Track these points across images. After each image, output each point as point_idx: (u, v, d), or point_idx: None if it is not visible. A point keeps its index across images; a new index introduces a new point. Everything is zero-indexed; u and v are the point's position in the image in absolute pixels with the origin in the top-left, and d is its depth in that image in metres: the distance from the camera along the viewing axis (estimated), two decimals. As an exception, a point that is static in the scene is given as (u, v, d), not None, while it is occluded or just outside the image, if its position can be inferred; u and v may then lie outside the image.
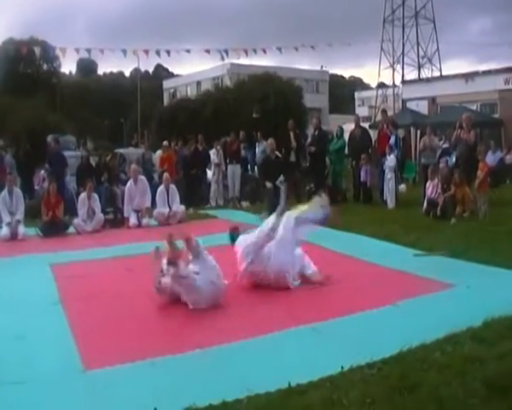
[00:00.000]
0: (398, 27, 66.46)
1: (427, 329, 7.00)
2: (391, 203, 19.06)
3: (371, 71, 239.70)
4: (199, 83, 78.39)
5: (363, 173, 20.32)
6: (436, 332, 6.81)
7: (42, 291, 9.88)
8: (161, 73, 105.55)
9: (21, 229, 15.91)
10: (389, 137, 19.95)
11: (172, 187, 18.36)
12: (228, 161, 22.29)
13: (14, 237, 15.68)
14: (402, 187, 22.98)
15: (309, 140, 22.32)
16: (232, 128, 25.10)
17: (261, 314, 8.24)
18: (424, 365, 5.97)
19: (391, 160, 19.26)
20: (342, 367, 6.00)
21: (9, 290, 10.04)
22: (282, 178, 17.49)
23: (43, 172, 21.59)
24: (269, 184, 17.35)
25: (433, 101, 40.34)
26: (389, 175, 19.24)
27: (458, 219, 15.63)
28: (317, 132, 21.88)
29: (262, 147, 23.41)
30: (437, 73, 60.71)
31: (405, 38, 65.95)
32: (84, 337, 7.35)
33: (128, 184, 17.85)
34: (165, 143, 22.99)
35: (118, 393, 5.82)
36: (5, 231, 15.67)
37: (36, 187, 21.74)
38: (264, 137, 23.92)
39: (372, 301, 8.49)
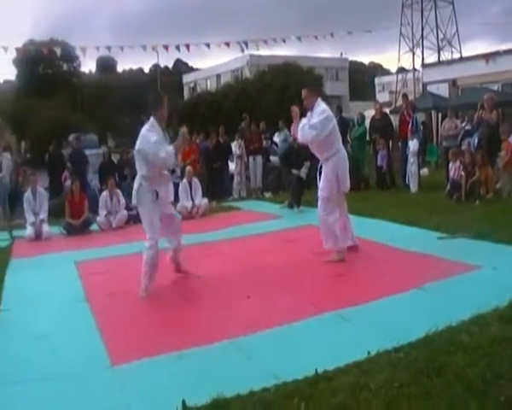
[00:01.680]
0: (417, 11, 65.96)
1: (453, 311, 6.98)
2: (413, 187, 18.98)
3: (391, 56, 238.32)
4: (219, 76, 78.39)
5: (379, 158, 20.24)
6: (462, 314, 6.79)
7: (68, 289, 9.94)
8: (181, 67, 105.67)
9: (45, 228, 15.98)
10: (409, 122, 19.89)
11: (195, 180, 18.35)
12: (249, 152, 22.24)
13: (38, 236, 15.75)
14: (424, 171, 22.92)
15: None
16: (253, 119, 25.05)
17: (285, 303, 8.22)
18: (451, 347, 5.94)
19: (413, 144, 19.18)
20: (369, 352, 5.99)
21: (36, 289, 10.13)
22: (308, 163, 17.39)
23: (65, 171, 21.69)
24: (296, 171, 17.27)
25: (453, 83, 40.08)
26: (411, 159, 19.17)
27: (482, 200, 15.54)
28: (336, 120, 21.86)
29: (283, 136, 23.39)
30: (457, 55, 60.27)
31: (424, 21, 65.42)
32: (111, 333, 7.40)
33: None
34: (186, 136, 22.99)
35: (146, 386, 5.85)
36: (29, 230, 15.75)
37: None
38: (285, 125, 23.89)
39: (397, 285, 8.48)
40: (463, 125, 22.53)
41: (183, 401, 5.24)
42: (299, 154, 17.50)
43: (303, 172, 17.22)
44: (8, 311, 8.81)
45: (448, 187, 16.86)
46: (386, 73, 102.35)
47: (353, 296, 8.14)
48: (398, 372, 5.46)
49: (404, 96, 23.06)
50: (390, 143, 20.91)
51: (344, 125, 21.66)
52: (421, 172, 20.79)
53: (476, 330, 6.33)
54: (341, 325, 7.14)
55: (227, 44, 29.61)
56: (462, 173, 16.43)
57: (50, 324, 7.87)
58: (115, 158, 22.18)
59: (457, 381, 5.16)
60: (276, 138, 25.62)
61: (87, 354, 6.75)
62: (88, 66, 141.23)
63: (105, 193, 17.19)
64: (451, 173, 17.03)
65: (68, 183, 19.24)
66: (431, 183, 20.21)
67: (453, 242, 11.17)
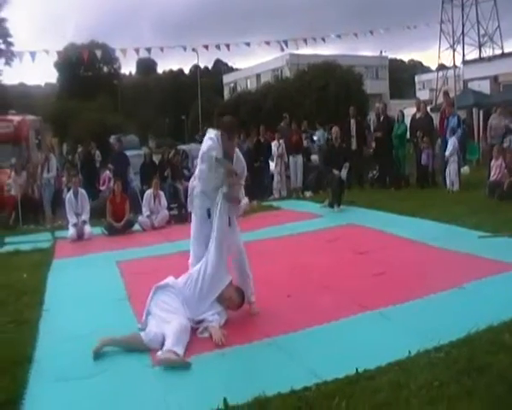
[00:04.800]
0: (458, 7, 65.22)
1: (494, 311, 6.95)
2: (452, 186, 18.84)
3: (431, 53, 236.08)
4: (258, 75, 78.39)
5: (424, 157, 20.09)
6: (504, 314, 6.77)
7: (109, 288, 10.04)
8: (221, 67, 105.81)
9: (87, 229, 16.14)
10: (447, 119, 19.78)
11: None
12: (289, 151, 22.21)
13: (80, 237, 15.93)
14: (465, 169, 22.72)
15: (372, 126, 22.26)
16: (293, 118, 25.08)
17: (325, 301, 8.26)
18: (492, 347, 5.93)
19: (452, 142, 19.04)
20: (410, 352, 6.00)
21: (78, 288, 10.26)
22: (346, 164, 17.30)
23: (108, 172, 21.87)
24: (336, 172, 17.17)
25: (495, 80, 39.62)
26: (451, 158, 19.03)
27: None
28: (382, 118, 21.76)
29: (319, 135, 23.48)
30: (499, 52, 59.50)
31: (465, 17, 64.62)
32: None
33: (192, 179, 17.89)
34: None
35: (188, 384, 5.94)
36: (72, 231, 15.91)
37: (101, 188, 22.03)
38: (321, 124, 23.94)
39: (438, 284, 8.43)
40: (506, 122, 22.27)
41: (225, 399, 5.30)
42: (339, 154, 17.47)
43: (343, 173, 17.12)
44: (51, 311, 8.94)
45: (488, 186, 16.73)
46: (427, 70, 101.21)
47: (394, 295, 8.14)
48: (439, 372, 5.46)
49: (446, 93, 22.91)
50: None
51: (389, 124, 21.54)
52: (461, 170, 20.63)
53: (518, 331, 6.31)
54: (382, 324, 7.15)
55: (267, 43, 29.51)
56: (505, 172, 16.29)
57: (93, 323, 7.94)
58: (156, 158, 22.30)
59: (499, 381, 5.15)
60: (315, 137, 25.71)
61: (129, 353, 6.82)
62: (128, 67, 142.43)
63: (149, 192, 17.28)
64: (492, 172, 16.90)
65: (112, 184, 19.41)
66: (472, 181, 20.06)
67: (494, 241, 11.10)
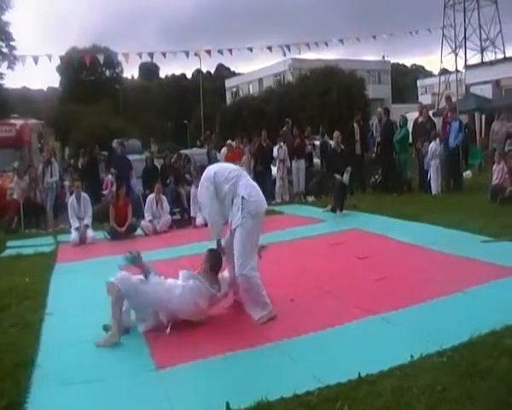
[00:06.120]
0: (460, 12, 65.26)
1: (496, 315, 6.95)
2: (434, 190, 19.22)
3: (434, 58, 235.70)
4: (261, 80, 78.64)
5: (426, 162, 20.08)
6: (506, 319, 6.75)
7: (112, 292, 10.02)
8: (223, 72, 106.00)
9: (90, 233, 16.16)
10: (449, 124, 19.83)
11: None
12: (292, 156, 22.20)
13: (82, 241, 15.93)
14: (467, 173, 22.75)
15: (374, 131, 22.27)
16: (296, 123, 25.12)
17: (328, 306, 8.27)
18: (495, 351, 5.93)
19: (435, 145, 19.13)
20: (412, 356, 6.00)
21: (81, 292, 10.26)
22: (348, 168, 17.27)
23: (110, 176, 21.87)
24: (338, 177, 17.16)
25: (497, 84, 39.65)
26: (432, 162, 19.14)
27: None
28: (383, 122, 21.72)
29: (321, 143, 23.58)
30: (501, 56, 59.47)
31: (467, 21, 64.70)
32: (155, 336, 7.46)
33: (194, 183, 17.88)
34: (228, 141, 23.09)
35: (190, 388, 5.96)
36: (74, 235, 15.95)
37: (104, 192, 21.99)
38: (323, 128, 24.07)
39: (440, 288, 8.44)
40: (508, 125, 22.24)
41: (227, 404, 5.31)
42: (346, 157, 17.47)
43: (345, 177, 17.10)
44: (53, 314, 8.96)
45: (490, 190, 16.73)
46: (429, 75, 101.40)
47: (396, 300, 8.14)
48: (441, 376, 5.46)
49: (448, 98, 22.93)
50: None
51: (390, 128, 21.50)
52: (464, 174, 20.65)
53: (521, 335, 6.30)
54: (385, 329, 7.16)
55: (269, 48, 29.46)
56: (507, 176, 16.30)
57: (96, 328, 7.91)
58: (158, 163, 22.30)
59: (501, 386, 5.15)
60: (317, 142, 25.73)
61: (132, 357, 6.88)
62: (130, 72, 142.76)
63: (151, 196, 17.29)
64: (494, 176, 16.90)
65: (114, 188, 19.43)
66: (474, 185, 20.06)
67: (497, 245, 11.09)
